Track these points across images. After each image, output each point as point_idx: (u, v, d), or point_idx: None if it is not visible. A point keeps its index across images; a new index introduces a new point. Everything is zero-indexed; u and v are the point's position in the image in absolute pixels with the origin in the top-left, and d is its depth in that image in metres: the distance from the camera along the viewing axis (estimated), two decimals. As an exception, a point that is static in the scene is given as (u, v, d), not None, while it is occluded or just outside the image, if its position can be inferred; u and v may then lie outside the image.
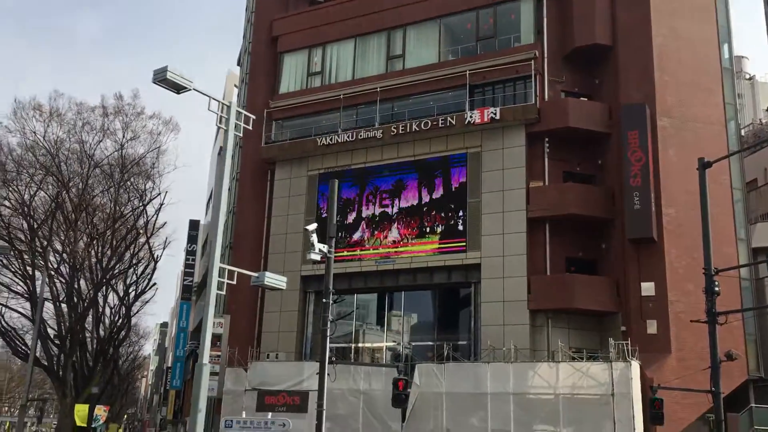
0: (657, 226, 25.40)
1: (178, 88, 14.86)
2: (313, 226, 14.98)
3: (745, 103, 48.94)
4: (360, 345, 30.77)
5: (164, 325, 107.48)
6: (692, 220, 25.67)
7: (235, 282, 15.54)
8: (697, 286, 24.88)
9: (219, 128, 51.40)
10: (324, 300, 15.45)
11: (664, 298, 24.88)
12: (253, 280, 15.99)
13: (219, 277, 15.18)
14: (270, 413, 19.33)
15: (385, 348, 30.21)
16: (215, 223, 46.64)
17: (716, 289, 17.26)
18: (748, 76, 50.87)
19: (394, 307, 30.63)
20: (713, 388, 17.15)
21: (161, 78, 14.46)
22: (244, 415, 16.99)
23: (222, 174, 15.31)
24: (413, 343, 29.52)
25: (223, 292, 15.25)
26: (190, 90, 14.87)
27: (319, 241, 15.04)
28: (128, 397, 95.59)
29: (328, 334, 15.24)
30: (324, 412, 14.94)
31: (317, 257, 15.19)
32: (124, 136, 35.09)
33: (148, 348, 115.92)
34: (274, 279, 15.96)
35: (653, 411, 18.85)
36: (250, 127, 16.49)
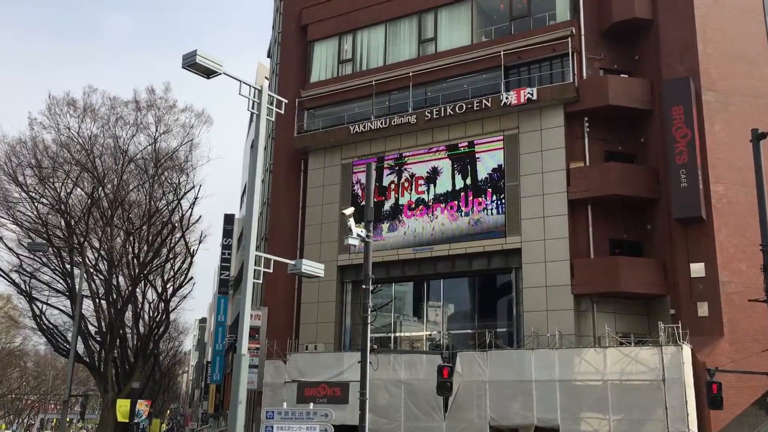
0: (705, 205, 24.39)
1: (208, 73, 14.40)
2: (350, 210, 14.50)
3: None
4: (399, 334, 30.31)
5: (203, 320, 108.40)
6: (742, 197, 24.70)
7: (271, 270, 15.19)
8: (750, 265, 24.02)
9: (251, 121, 50.81)
10: (363, 286, 14.98)
11: (715, 279, 23.89)
12: (290, 268, 15.60)
13: (255, 265, 14.83)
14: (311, 404, 18.99)
15: (424, 337, 29.71)
16: (250, 215, 46.50)
17: (775, 266, 16.32)
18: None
19: (433, 296, 30.06)
20: (774, 370, 16.23)
21: (191, 63, 14.04)
22: (285, 406, 16.66)
23: (255, 157, 14.91)
24: (453, 332, 28.94)
25: (260, 281, 14.88)
26: (219, 74, 14.41)
27: (356, 225, 14.59)
28: (170, 393, 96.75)
29: (369, 321, 14.79)
30: (367, 401, 14.50)
31: (356, 242, 14.71)
32: (157, 130, 35.08)
33: (188, 344, 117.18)
34: (311, 266, 15.54)
35: (711, 395, 18.00)
36: (282, 111, 16.07)
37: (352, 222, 14.42)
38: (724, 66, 26.09)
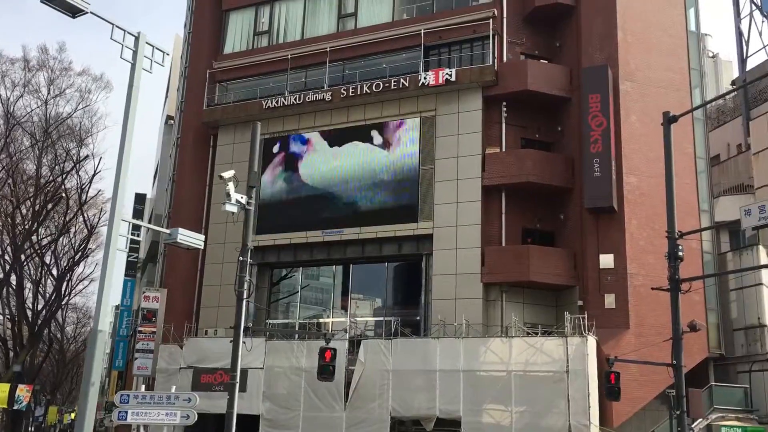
0: (617, 195, 24.02)
1: (73, 11, 12.77)
2: (229, 173, 13.13)
3: (708, 82, 47.76)
4: (303, 321, 29.03)
5: (118, 307, 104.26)
6: (654, 189, 24.38)
7: (141, 237, 13.66)
8: (658, 258, 23.63)
9: (167, 96, 47.65)
10: (240, 258, 13.64)
11: (624, 271, 23.55)
12: (165, 238, 14.14)
13: (126, 233, 13.29)
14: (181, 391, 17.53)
15: (331, 324, 28.48)
16: (161, 196, 43.43)
17: (680, 254, 15.77)
18: (711, 54, 49.79)
19: (343, 284, 28.84)
20: (674, 361, 15.72)
21: (51, -3, 12.38)
22: (143, 390, 15.18)
23: (128, 111, 13.29)
24: (362, 319, 27.78)
25: (126, 250, 13.32)
26: (86, 13, 12.79)
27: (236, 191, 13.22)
28: (79, 380, 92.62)
29: (245, 297, 13.48)
30: (237, 385, 13.22)
31: (233, 209, 13.34)
32: (48, 92, 32.18)
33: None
34: (188, 236, 14.00)
35: (609, 385, 17.40)
36: (163, 65, 14.48)
37: (231, 186, 13.04)
38: (643, 56, 25.80)
